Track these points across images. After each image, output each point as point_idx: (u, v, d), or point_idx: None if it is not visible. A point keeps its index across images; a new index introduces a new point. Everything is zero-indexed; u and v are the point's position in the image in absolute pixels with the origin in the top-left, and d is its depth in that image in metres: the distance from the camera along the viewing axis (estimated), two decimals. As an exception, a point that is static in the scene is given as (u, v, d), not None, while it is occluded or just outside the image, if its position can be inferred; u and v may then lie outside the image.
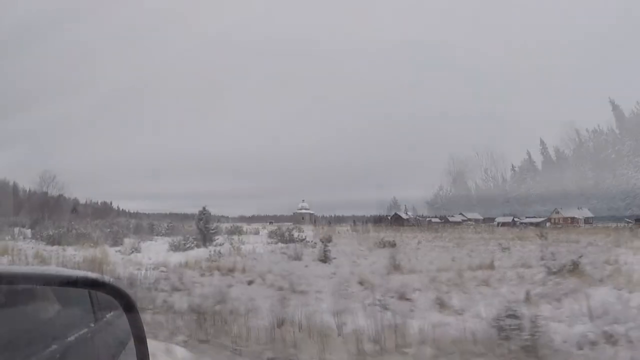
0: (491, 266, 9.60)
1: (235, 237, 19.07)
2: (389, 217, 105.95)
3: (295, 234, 22.12)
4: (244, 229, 29.69)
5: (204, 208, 17.63)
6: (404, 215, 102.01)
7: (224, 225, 33.60)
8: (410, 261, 11.05)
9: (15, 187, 29.38)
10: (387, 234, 31.03)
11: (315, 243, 16.87)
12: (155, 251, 13.66)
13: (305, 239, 19.06)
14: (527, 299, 5.74)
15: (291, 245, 15.82)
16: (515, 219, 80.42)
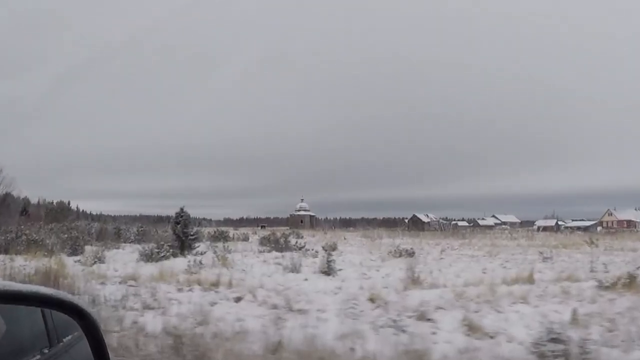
0: (530, 279, 9.61)
1: (220, 245, 19.12)
2: (406, 220, 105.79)
3: (293, 240, 22.18)
4: (231, 235, 29.85)
5: (181, 209, 17.68)
6: (424, 218, 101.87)
7: (207, 230, 33.81)
8: (432, 273, 11.08)
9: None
10: (404, 241, 31.17)
11: (317, 251, 16.92)
12: (123, 261, 13.72)
13: (304, 246, 19.11)
14: (574, 319, 5.74)
15: (287, 254, 15.87)
16: (560, 222, 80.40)
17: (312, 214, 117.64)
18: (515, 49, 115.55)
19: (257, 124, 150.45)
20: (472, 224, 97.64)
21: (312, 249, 17.95)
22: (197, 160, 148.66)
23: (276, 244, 19.84)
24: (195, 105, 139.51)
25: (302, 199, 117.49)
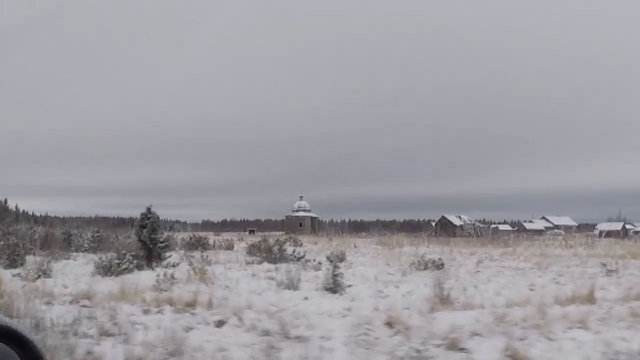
0: (590, 299, 9.59)
1: (198, 254, 19.19)
2: (433, 224, 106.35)
3: (289, 248, 22.24)
4: (211, 242, 29.95)
5: (148, 209, 17.69)
6: (455, 221, 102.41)
7: (180, 236, 33.91)
8: (466, 291, 11.09)
9: None
10: (431, 249, 31.21)
11: (320, 263, 16.97)
12: (75, 275, 13.78)
13: (304, 256, 19.15)
14: (647, 348, 5.74)
15: (283, 265, 15.92)
16: (627, 226, 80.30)
17: (314, 215, 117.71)
18: (572, 9, 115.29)
19: (244, 102, 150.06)
20: (516, 228, 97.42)
21: (314, 260, 17.99)
22: (167, 147, 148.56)
23: (268, 254, 19.89)
24: (164, 77, 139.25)
25: (300, 197, 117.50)
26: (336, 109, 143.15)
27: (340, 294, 10.97)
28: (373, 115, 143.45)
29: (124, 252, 15.44)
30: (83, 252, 23.42)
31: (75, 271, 15.00)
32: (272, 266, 16.91)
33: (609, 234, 66.68)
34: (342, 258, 19.75)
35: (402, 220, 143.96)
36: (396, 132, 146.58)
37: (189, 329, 6.83)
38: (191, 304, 8.42)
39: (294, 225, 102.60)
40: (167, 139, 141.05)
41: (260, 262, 18.77)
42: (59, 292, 9.95)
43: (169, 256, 17.68)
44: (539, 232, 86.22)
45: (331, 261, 15.46)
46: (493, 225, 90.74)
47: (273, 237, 36.95)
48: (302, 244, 33.53)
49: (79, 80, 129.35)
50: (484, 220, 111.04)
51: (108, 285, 10.79)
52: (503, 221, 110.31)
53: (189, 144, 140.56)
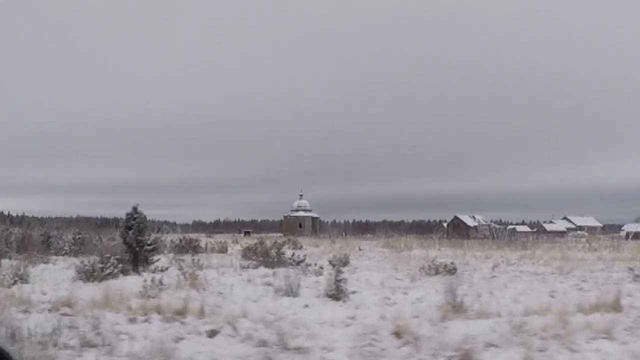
0: (616, 306, 9.56)
1: (188, 258, 19.19)
2: (445, 225, 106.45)
3: (288, 251, 22.23)
4: (203, 244, 29.99)
5: (135, 209, 17.70)
6: (469, 221, 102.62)
7: (169, 238, 33.88)
8: (481, 298, 11.07)
9: None
10: (442, 252, 31.17)
11: (322, 267, 16.96)
12: (54, 281, 13.79)
13: (304, 260, 19.15)
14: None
15: (281, 270, 15.91)
16: (659, 227, 79.45)
17: (315, 215, 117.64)
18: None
19: (239, 92, 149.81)
20: (536, 230, 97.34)
21: (315, 264, 17.97)
22: (156, 141, 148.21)
23: (265, 257, 19.89)
24: (153, 65, 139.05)
25: (300, 195, 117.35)
26: (340, 100, 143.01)
27: (344, 301, 10.96)
28: (380, 106, 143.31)
29: (107, 255, 15.44)
30: (63, 255, 23.47)
31: (54, 276, 15.01)
32: (269, 271, 16.91)
33: (636, 235, 66.54)
34: (345, 262, 19.75)
35: (411, 221, 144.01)
36: (405, 125, 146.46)
37: (178, 339, 6.83)
38: (181, 312, 8.42)
39: (293, 226, 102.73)
40: (155, 132, 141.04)
41: (256, 267, 18.78)
42: (37, 299, 9.96)
43: (157, 260, 17.69)
44: (561, 233, 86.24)
45: (334, 265, 15.41)
46: (510, 226, 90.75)
47: (270, 239, 36.87)
48: (302, 246, 33.52)
49: (59, 67, 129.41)
50: (500, 220, 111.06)
51: (90, 291, 10.79)
52: (521, 222, 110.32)
53: (179, 138, 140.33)
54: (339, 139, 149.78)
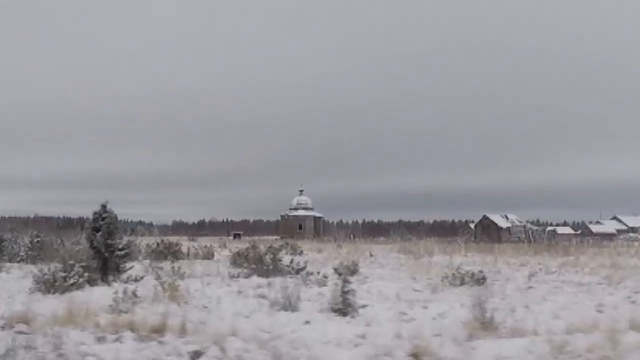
0: (677, 323, 9.53)
1: (167, 265, 19.19)
2: (472, 226, 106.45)
3: (286, 257, 22.15)
4: (185, 249, 29.94)
5: (104, 207, 17.69)
6: (500, 222, 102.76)
7: (145, 241, 33.73)
8: (515, 312, 11.04)
9: None
10: (469, 258, 31.04)
11: (326, 276, 16.93)
12: (8, 292, 13.79)
13: (305, 267, 19.14)
14: None
15: (277, 280, 15.90)
16: None
17: (318, 214, 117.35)
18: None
19: (227, 69, 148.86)
20: (580, 232, 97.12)
21: (318, 273, 17.94)
22: (128, 127, 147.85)
23: (259, 264, 19.85)
24: (126, 40, 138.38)
25: (300, 191, 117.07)
26: (346, 79, 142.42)
27: (352, 317, 10.94)
28: (396, 85, 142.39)
29: (71, 262, 15.43)
30: (19, 262, 23.45)
31: (8, 287, 15.01)
32: (263, 280, 16.89)
33: (701, 239, 66.32)
34: (354, 270, 19.68)
35: (431, 221, 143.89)
36: (425, 108, 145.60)
37: (156, 362, 6.83)
38: (159, 330, 8.42)
39: (291, 228, 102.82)
40: (128, 117, 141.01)
41: (248, 276, 18.75)
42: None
43: (130, 268, 17.68)
44: (610, 236, 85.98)
45: (340, 274, 15.40)
46: (550, 228, 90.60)
47: (265, 242, 36.91)
48: (302, 251, 33.50)
49: (17, 41, 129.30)
50: (538, 221, 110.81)
51: (51, 305, 10.78)
52: (562, 222, 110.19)
53: (156, 122, 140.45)
54: (347, 123, 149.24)
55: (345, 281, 11.90)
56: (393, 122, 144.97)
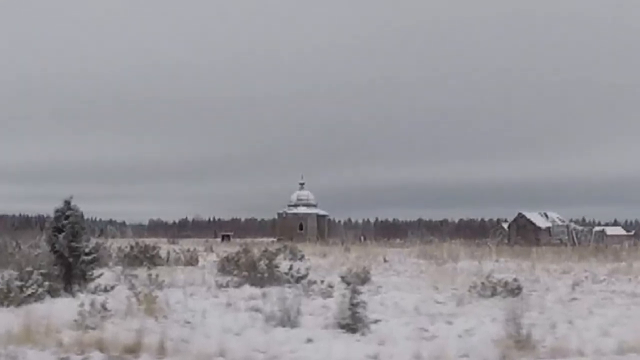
0: None
1: (142, 272, 19.20)
2: (507, 225, 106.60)
3: (284, 263, 22.28)
4: (163, 253, 29.94)
5: (67, 204, 17.71)
6: (539, 221, 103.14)
7: (116, 244, 33.70)
8: (557, 329, 11.03)
9: None
10: (501, 264, 30.93)
11: (331, 286, 16.97)
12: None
13: (306, 275, 19.17)
14: None
15: (274, 290, 15.92)
16: None
17: (322, 212, 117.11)
18: None
19: (212, 40, 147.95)
20: (633, 232, 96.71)
21: (322, 281, 17.97)
22: (94, 107, 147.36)
23: (252, 272, 19.86)
24: (92, 6, 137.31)
25: (301, 184, 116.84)
26: (354, 51, 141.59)
27: (362, 334, 10.95)
28: (411, 60, 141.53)
29: (29, 269, 15.49)
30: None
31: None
32: (257, 291, 16.91)
33: None
34: (365, 278, 19.69)
35: (457, 221, 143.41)
36: (447, 86, 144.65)
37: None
38: (133, 350, 8.44)
39: (290, 228, 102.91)
40: (96, 97, 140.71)
41: (239, 285, 18.78)
42: None
43: (99, 275, 17.69)
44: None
45: (348, 283, 15.51)
46: (597, 228, 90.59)
47: (259, 245, 36.90)
48: (303, 256, 33.56)
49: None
50: (584, 220, 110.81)
51: (5, 320, 10.81)
52: (613, 222, 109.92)
53: (130, 102, 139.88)
54: (355, 103, 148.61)
55: (355, 291, 11.91)
56: (411, 101, 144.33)
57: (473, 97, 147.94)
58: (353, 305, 11.52)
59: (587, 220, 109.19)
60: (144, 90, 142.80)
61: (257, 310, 13.29)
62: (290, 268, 20.07)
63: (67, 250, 17.05)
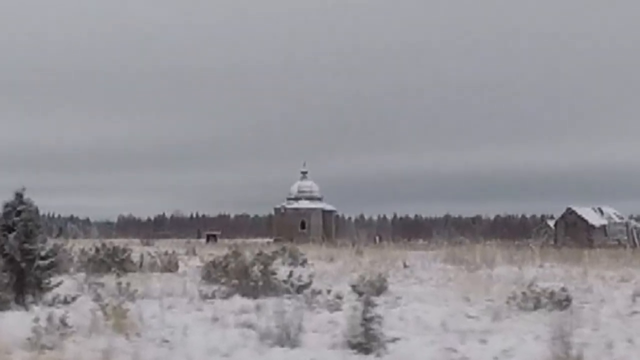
0: None
1: (111, 280, 19.27)
2: (553, 223, 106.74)
3: (282, 268, 22.23)
4: (136, 256, 30.02)
5: (19, 197, 17.80)
6: (592, 218, 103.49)
7: (78, 246, 33.67)
8: (613, 348, 11.05)
9: None
10: (546, 270, 30.88)
11: (340, 296, 17.01)
12: None
13: (309, 283, 19.22)
14: None
15: (270, 302, 15.97)
16: None
17: (329, 207, 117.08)
18: None
19: (196, 1, 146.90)
20: None
21: (329, 291, 18.02)
22: (53, 83, 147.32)
23: (243, 280, 19.93)
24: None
25: (303, 172, 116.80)
26: (366, 13, 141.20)
27: (378, 355, 10.99)
28: (436, 24, 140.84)
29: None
30: None
31: None
32: (249, 303, 16.97)
33: None
34: (381, 288, 19.73)
35: (492, 218, 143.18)
36: (480, 56, 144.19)
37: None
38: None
39: (290, 227, 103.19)
40: (53, 68, 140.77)
41: (227, 296, 18.83)
42: None
43: (58, 284, 17.76)
44: None
45: (361, 293, 15.54)
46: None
47: (252, 247, 36.97)
48: (305, 260, 33.63)
49: None
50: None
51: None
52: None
53: (93, 76, 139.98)
54: (369, 74, 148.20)
55: (369, 304, 11.94)
56: (435, 73, 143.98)
57: (510, 69, 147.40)
58: (366, 320, 11.55)
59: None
60: (111, 61, 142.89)
61: (249, 326, 13.32)
62: (290, 275, 20.13)
63: (19, 253, 17.11)
